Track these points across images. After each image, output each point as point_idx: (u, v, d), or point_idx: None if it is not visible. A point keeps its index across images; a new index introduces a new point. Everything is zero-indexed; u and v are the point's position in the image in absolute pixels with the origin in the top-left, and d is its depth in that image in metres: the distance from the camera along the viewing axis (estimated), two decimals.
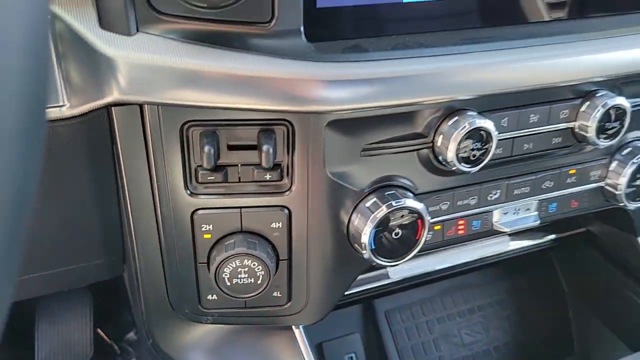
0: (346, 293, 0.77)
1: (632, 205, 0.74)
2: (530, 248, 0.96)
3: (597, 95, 0.66)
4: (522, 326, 1.02)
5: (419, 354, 0.94)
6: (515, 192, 0.69)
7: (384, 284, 0.88)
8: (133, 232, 0.62)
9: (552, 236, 0.97)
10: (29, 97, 0.27)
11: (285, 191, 0.59)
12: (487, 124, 0.59)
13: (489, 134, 0.60)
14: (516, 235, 0.93)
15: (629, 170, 0.71)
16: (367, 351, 0.93)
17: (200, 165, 0.56)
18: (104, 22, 0.51)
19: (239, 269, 0.59)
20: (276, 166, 0.57)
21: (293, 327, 0.70)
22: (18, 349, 1.21)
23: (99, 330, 1.26)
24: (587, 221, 0.94)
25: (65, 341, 1.21)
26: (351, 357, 0.92)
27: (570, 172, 0.71)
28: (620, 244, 0.91)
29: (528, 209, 0.72)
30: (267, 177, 0.57)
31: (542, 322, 1.03)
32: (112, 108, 0.54)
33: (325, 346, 0.89)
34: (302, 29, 0.55)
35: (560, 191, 0.72)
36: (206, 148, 0.54)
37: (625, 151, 0.72)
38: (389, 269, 0.87)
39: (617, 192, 0.73)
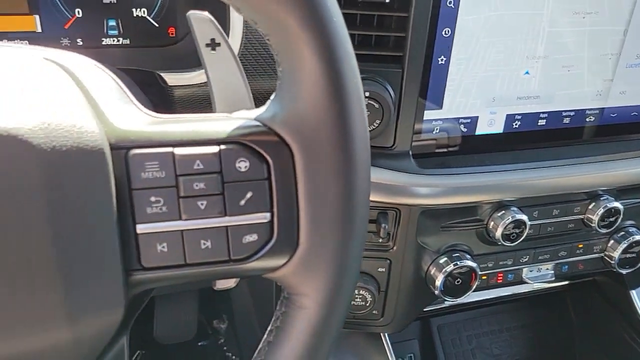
0: None
1: (623, 271, 0.98)
2: (550, 290, 1.18)
3: (601, 198, 0.89)
4: (538, 346, 1.24)
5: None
6: (539, 257, 0.93)
7: (439, 307, 1.13)
8: None
9: (567, 282, 1.22)
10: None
11: (390, 249, 0.85)
12: (523, 217, 0.84)
13: (524, 222, 0.86)
14: None
15: (621, 247, 0.94)
16: (422, 353, 1.19)
17: None
18: None
19: (356, 296, 0.87)
20: (387, 234, 0.85)
21: (381, 333, 0.99)
22: (142, 324, 1.47)
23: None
24: (594, 273, 1.18)
25: (177, 320, 1.37)
26: (410, 356, 1.19)
27: (579, 246, 0.94)
28: (617, 293, 1.13)
29: (547, 269, 0.97)
30: (380, 241, 0.85)
31: (553, 345, 1.24)
32: None
33: (394, 346, 1.16)
34: (410, 152, 0.82)
35: (571, 258, 0.95)
36: None
37: (620, 234, 0.95)
38: None
39: (612, 262, 0.95)
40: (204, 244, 0.41)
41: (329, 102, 0.40)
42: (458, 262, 0.86)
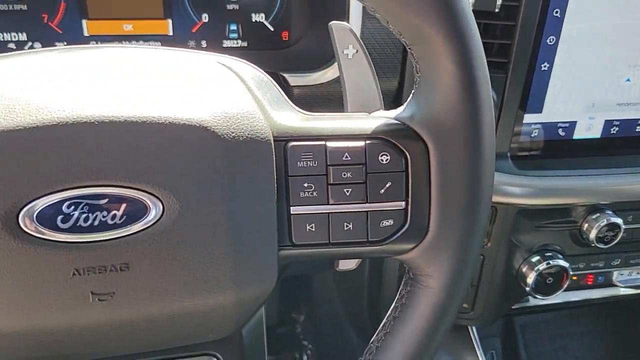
0: None
1: None
2: (637, 296, 1.20)
3: None
4: (620, 352, 1.24)
5: None
6: (631, 261, 0.94)
7: (523, 306, 1.16)
8: None
9: None
10: None
11: (484, 245, 0.89)
12: (618, 220, 0.86)
13: (618, 226, 0.88)
14: None
15: None
16: (504, 352, 1.22)
17: None
18: None
19: None
20: None
21: (469, 328, 1.03)
22: None
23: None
24: None
25: None
26: (492, 353, 1.22)
27: None
28: None
29: (638, 273, 0.99)
30: None
31: (636, 352, 1.25)
32: None
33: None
34: (508, 153, 0.86)
35: None
36: None
37: None
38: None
39: None
40: (347, 226, 0.47)
41: (464, 106, 0.45)
42: (550, 262, 0.89)
